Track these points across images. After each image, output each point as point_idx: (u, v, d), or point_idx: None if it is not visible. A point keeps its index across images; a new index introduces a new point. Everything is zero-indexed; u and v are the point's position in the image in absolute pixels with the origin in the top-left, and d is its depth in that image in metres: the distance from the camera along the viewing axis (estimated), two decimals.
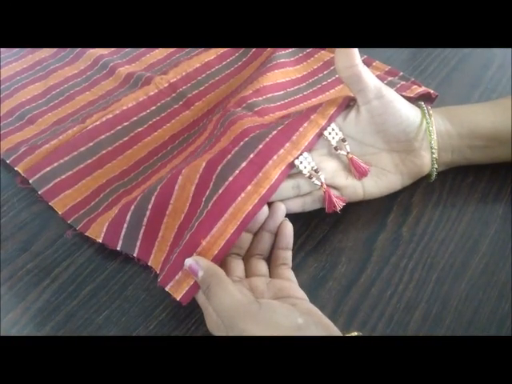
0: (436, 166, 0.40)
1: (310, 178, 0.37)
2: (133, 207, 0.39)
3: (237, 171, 0.35)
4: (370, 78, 0.37)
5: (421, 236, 0.40)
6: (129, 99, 0.51)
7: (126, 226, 0.38)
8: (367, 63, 0.54)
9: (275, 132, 0.37)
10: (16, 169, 0.45)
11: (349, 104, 0.40)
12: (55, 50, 0.61)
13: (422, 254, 0.38)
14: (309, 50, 0.56)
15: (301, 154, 0.37)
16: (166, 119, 0.50)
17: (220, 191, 0.35)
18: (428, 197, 0.42)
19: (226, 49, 0.58)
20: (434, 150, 0.39)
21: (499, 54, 0.55)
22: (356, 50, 0.38)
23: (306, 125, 0.37)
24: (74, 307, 0.37)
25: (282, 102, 0.46)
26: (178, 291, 0.33)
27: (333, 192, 0.38)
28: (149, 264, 0.37)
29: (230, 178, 0.35)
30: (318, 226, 0.41)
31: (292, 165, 0.37)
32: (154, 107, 0.51)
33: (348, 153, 0.38)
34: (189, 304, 0.35)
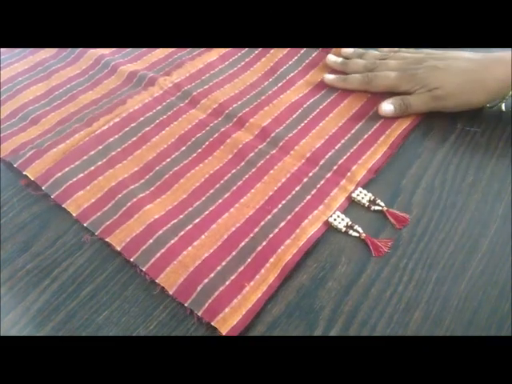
0: None
1: (346, 232, 0.40)
2: (163, 230, 0.40)
3: (276, 230, 0.40)
4: None
5: (421, 236, 0.39)
6: (134, 102, 0.52)
7: (150, 242, 0.39)
8: None
9: (309, 197, 0.43)
10: (24, 173, 0.45)
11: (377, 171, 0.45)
12: (56, 50, 0.61)
13: (421, 254, 0.38)
14: (314, 54, 0.57)
15: (334, 213, 0.41)
16: (172, 117, 0.51)
17: (263, 243, 0.39)
18: (428, 197, 0.42)
19: (228, 49, 0.59)
20: None
21: None
22: None
23: (336, 190, 0.43)
24: (74, 307, 0.37)
25: (303, 125, 0.49)
26: (224, 326, 0.34)
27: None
28: (156, 280, 0.37)
29: (271, 236, 0.40)
30: None
31: (327, 223, 0.41)
32: (159, 107, 0.52)
33: (383, 207, 0.41)
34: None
